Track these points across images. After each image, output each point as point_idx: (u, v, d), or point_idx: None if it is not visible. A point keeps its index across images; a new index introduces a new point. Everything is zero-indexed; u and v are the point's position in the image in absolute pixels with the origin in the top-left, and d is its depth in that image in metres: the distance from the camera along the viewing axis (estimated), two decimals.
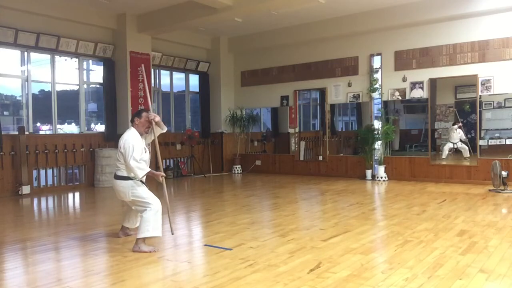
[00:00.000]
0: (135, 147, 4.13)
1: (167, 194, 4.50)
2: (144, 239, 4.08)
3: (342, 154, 10.62)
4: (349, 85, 10.04)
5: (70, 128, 9.65)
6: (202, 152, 11.80)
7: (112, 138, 9.33)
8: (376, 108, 9.70)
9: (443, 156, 9.46)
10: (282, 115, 11.82)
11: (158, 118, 4.39)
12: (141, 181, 4.28)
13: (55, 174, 8.76)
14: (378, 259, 3.79)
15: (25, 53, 8.42)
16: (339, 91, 10.25)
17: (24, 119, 8.53)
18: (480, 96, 8.42)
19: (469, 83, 8.70)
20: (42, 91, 9.32)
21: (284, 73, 11.16)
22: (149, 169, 4.22)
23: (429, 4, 8.61)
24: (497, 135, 8.49)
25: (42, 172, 8.59)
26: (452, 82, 9.24)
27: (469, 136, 9.20)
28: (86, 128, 9.54)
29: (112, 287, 3.18)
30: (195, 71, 11.75)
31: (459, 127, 9.30)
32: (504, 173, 7.20)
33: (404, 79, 9.27)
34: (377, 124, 9.57)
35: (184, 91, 11.88)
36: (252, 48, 11.57)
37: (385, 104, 9.65)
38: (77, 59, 9.31)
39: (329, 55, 10.35)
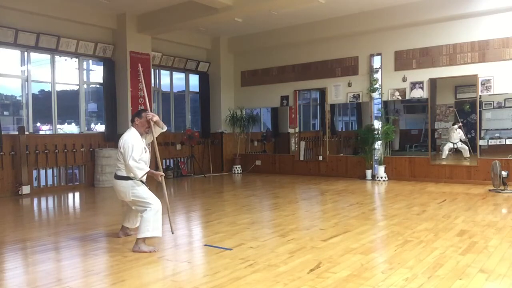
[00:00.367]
0: (134, 147, 4.13)
1: (166, 194, 4.49)
2: (144, 239, 4.08)
3: (342, 154, 10.62)
4: (349, 85, 10.04)
5: (70, 128, 9.65)
6: (202, 152, 11.80)
7: (112, 138, 9.33)
8: (376, 108, 9.70)
9: (443, 156, 9.45)
10: (282, 115, 11.82)
11: (156, 118, 4.40)
12: (142, 181, 4.28)
13: (55, 174, 8.76)
14: (378, 259, 3.79)
15: (25, 53, 8.42)
16: (339, 91, 10.25)
17: (24, 119, 8.53)
18: (480, 96, 8.42)
19: (469, 83, 8.71)
20: (42, 91, 9.32)
21: (284, 73, 11.16)
22: (148, 169, 4.22)
23: (429, 4, 8.61)
24: (497, 135, 8.49)
25: (42, 172, 8.59)
26: (452, 82, 9.24)
27: (469, 136, 9.20)
28: (86, 128, 9.54)
29: (112, 287, 3.18)
30: (195, 71, 11.75)
31: (459, 127, 9.30)
32: (504, 173, 7.21)
33: (404, 79, 9.27)
34: (377, 124, 9.57)
35: (184, 91, 11.88)
36: (252, 48, 11.57)
37: (385, 104, 9.65)
38: (77, 59, 9.31)
39: (329, 55, 10.35)
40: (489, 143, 8.48)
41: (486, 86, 8.34)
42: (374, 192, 8.07)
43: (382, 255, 3.93)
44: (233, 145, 11.94)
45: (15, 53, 8.37)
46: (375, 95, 9.61)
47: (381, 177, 9.25)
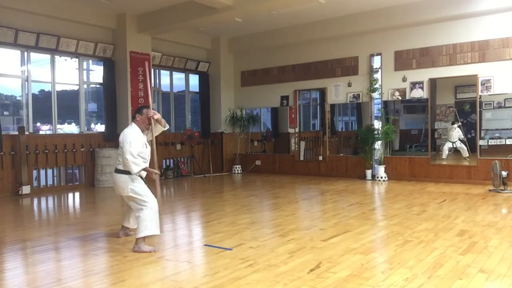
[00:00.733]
0: (132, 142, 4.12)
1: (159, 192, 4.45)
2: (144, 238, 4.08)
3: (342, 154, 10.62)
4: (349, 85, 10.04)
5: (70, 128, 9.65)
6: (202, 152, 11.80)
7: (112, 138, 9.33)
8: (376, 108, 9.70)
9: (444, 156, 9.47)
10: (282, 115, 11.82)
11: (158, 116, 4.40)
12: (141, 178, 4.29)
13: (55, 174, 8.76)
14: (378, 259, 3.79)
15: (25, 53, 8.42)
16: (339, 91, 10.24)
17: (24, 119, 8.53)
18: (480, 96, 8.42)
19: (469, 83, 8.70)
20: (42, 91, 9.32)
21: (284, 73, 11.16)
22: (145, 165, 4.21)
23: (429, 4, 8.61)
24: (497, 135, 8.49)
25: (42, 172, 8.59)
26: (452, 82, 9.24)
27: (469, 136, 9.21)
28: (86, 128, 9.54)
29: (112, 287, 3.19)
30: (195, 71, 11.75)
31: (458, 127, 9.31)
32: (504, 173, 7.20)
33: (404, 79, 9.27)
34: (377, 124, 9.57)
35: (184, 91, 11.88)
36: (252, 48, 11.57)
37: (385, 104, 9.65)
38: (77, 59, 9.30)
39: (329, 55, 10.35)
40: (489, 143, 8.48)
41: (486, 86, 8.34)
42: (374, 192, 8.07)
43: (382, 255, 3.93)
44: (233, 145, 11.94)
45: (15, 53, 8.37)
46: (375, 95, 9.61)
47: (381, 177, 9.25)
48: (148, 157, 4.33)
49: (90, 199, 7.90)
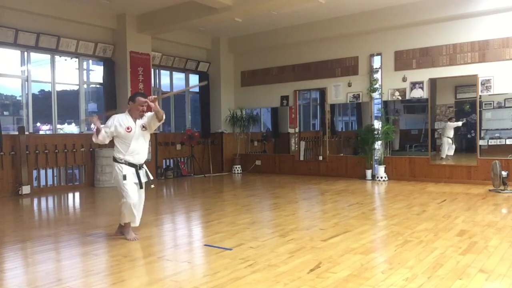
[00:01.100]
0: (108, 121, 4.27)
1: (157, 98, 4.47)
2: (128, 225, 4.38)
3: (342, 154, 10.62)
4: (349, 85, 10.04)
5: (70, 128, 9.65)
6: (202, 152, 11.80)
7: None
8: (376, 108, 9.70)
9: (443, 156, 9.50)
10: (282, 115, 11.82)
11: (154, 105, 4.24)
12: (138, 175, 4.34)
13: (55, 174, 8.76)
14: (378, 259, 3.79)
15: (25, 53, 8.42)
16: (339, 91, 10.24)
17: (24, 119, 8.53)
18: (480, 96, 8.42)
19: (469, 83, 8.71)
20: (42, 91, 9.32)
21: (284, 73, 11.16)
22: (95, 138, 4.29)
23: (429, 4, 8.61)
24: (497, 135, 8.49)
25: (42, 172, 8.59)
26: (452, 82, 9.25)
27: (469, 136, 9.23)
28: (86, 128, 9.54)
29: (112, 287, 3.18)
30: (195, 71, 11.75)
31: (454, 121, 9.51)
32: (504, 173, 7.20)
33: (404, 79, 9.27)
34: (377, 124, 9.57)
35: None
36: (252, 48, 11.57)
37: (385, 104, 9.65)
38: (77, 59, 9.31)
39: (329, 55, 10.35)
40: (489, 143, 8.48)
41: (486, 86, 8.34)
42: (374, 192, 8.06)
43: (382, 255, 3.93)
44: (233, 145, 11.94)
45: (15, 53, 8.37)
46: (375, 95, 9.61)
47: (381, 177, 9.25)
48: (133, 141, 4.30)
49: (90, 199, 7.90)
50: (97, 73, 9.88)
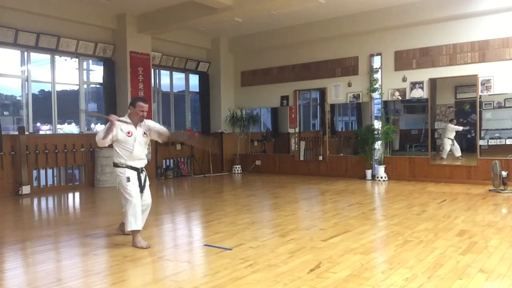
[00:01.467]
0: (108, 125, 4.19)
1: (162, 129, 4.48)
2: (137, 233, 4.20)
3: (342, 154, 10.62)
4: (349, 85, 10.04)
5: (70, 128, 9.65)
6: (202, 152, 11.80)
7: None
8: (376, 108, 9.70)
9: (444, 156, 9.51)
10: (282, 115, 11.82)
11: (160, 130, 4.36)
12: (138, 173, 4.31)
13: (55, 174, 8.76)
14: (378, 259, 3.79)
15: (25, 53, 8.42)
16: (339, 91, 10.24)
17: (24, 119, 8.53)
18: (480, 96, 8.42)
19: (469, 83, 8.70)
20: (42, 91, 9.32)
21: (284, 73, 11.16)
22: (101, 138, 4.18)
23: (429, 4, 8.61)
24: (497, 135, 8.49)
25: (42, 172, 8.58)
26: (452, 82, 9.25)
27: (469, 136, 9.23)
28: (86, 128, 9.54)
29: (112, 287, 3.18)
30: (195, 71, 11.75)
31: (455, 123, 9.45)
32: (504, 173, 7.20)
33: (404, 79, 9.27)
34: (377, 124, 9.57)
35: (184, 91, 11.87)
36: (252, 48, 11.57)
37: (385, 104, 9.64)
38: (77, 59, 9.30)
39: (329, 55, 10.35)
40: (489, 143, 8.48)
41: (486, 86, 8.34)
42: (374, 192, 8.06)
43: (382, 255, 3.93)
44: (233, 145, 11.94)
45: (15, 53, 8.37)
46: (375, 95, 9.61)
47: (381, 177, 9.25)
48: (133, 148, 4.29)
49: (90, 199, 7.90)
50: (97, 73, 9.88)
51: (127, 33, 9.48)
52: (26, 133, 8.24)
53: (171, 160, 11.07)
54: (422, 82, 9.07)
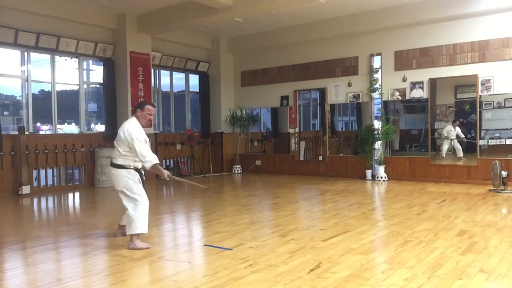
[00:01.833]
0: (139, 138, 4.12)
1: (184, 180, 4.58)
2: (138, 235, 4.13)
3: (342, 154, 10.62)
4: (349, 85, 10.04)
5: (70, 128, 9.65)
6: (202, 152, 11.80)
7: (112, 138, 9.27)
8: (376, 108, 9.70)
9: (443, 155, 9.51)
10: (282, 115, 11.83)
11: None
12: (140, 175, 4.28)
13: (55, 174, 8.76)
14: (378, 259, 3.79)
15: (25, 53, 8.42)
16: (339, 91, 10.24)
17: (24, 119, 8.53)
18: (480, 96, 8.42)
19: (469, 83, 8.70)
20: (42, 91, 9.32)
21: (284, 73, 11.16)
22: (158, 161, 4.19)
23: (429, 4, 8.61)
24: (497, 135, 8.49)
25: (42, 172, 8.59)
26: (452, 82, 9.25)
27: (469, 136, 9.23)
28: (86, 128, 9.54)
29: (112, 287, 3.18)
30: (195, 71, 11.75)
31: (458, 126, 9.40)
32: (504, 173, 7.20)
33: (404, 79, 9.27)
34: (377, 124, 9.57)
35: (184, 91, 11.88)
36: (252, 48, 11.57)
37: (385, 104, 9.64)
38: (77, 59, 9.30)
39: (329, 55, 10.34)
40: (489, 143, 8.49)
41: (486, 86, 8.34)
42: (374, 192, 8.07)
43: (382, 255, 3.93)
44: (233, 145, 11.94)
45: (15, 53, 8.37)
46: (375, 95, 9.61)
47: (381, 177, 9.25)
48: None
49: (90, 199, 7.90)
50: (97, 73, 9.88)
51: (127, 33, 9.48)
52: (26, 133, 8.24)
53: (171, 160, 11.07)
54: (422, 82, 9.07)
